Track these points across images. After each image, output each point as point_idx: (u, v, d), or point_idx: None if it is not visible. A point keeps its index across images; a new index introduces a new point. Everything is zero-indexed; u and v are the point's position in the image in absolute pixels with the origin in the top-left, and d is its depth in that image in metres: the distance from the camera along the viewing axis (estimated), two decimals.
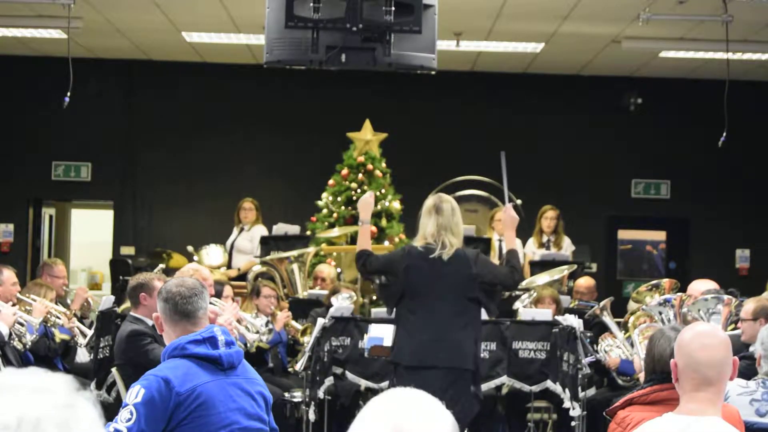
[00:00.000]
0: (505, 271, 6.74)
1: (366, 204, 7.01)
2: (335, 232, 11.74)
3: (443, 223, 6.61)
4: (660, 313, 6.70)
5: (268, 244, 11.04)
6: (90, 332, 8.22)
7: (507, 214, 7.05)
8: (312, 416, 8.06)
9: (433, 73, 6.63)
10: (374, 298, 10.26)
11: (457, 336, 6.52)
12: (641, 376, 5.63)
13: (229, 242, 11.94)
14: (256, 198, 12.12)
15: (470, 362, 6.54)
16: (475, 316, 6.66)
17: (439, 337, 6.51)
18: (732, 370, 3.55)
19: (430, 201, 6.75)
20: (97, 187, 14.55)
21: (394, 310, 6.71)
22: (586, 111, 14.51)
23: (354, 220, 11.98)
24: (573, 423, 8.02)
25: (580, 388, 7.92)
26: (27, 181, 14.42)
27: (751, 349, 6.08)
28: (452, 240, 6.59)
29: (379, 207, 11.95)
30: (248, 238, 11.69)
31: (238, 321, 7.78)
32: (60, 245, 15.74)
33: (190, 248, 12.04)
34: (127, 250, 14.26)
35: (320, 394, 8.19)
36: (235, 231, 11.97)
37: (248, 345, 8.13)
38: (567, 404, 8.01)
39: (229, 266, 11.81)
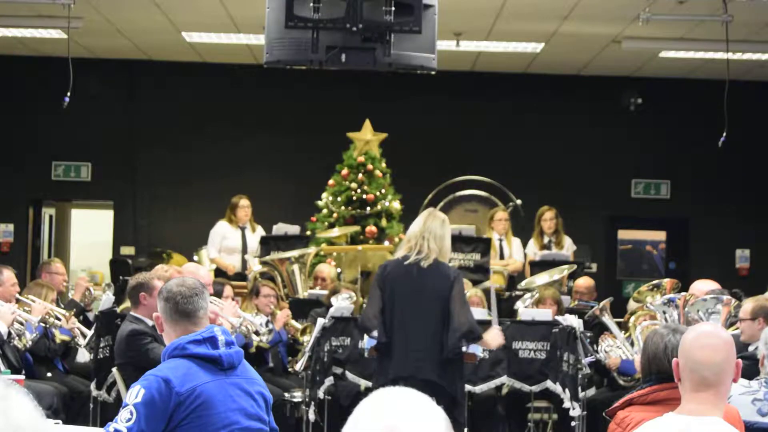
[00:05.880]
0: (464, 320, 6.51)
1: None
2: (335, 232, 11.73)
3: (430, 227, 6.57)
4: (664, 313, 6.70)
5: (268, 244, 10.98)
6: (90, 332, 8.22)
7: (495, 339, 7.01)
8: (312, 416, 8.06)
9: (433, 73, 6.63)
10: None
11: (434, 347, 6.48)
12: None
13: (237, 243, 11.46)
14: (255, 198, 12.05)
15: (445, 378, 6.48)
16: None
17: (415, 349, 6.48)
18: (735, 371, 3.54)
19: (423, 212, 6.83)
20: (97, 187, 14.54)
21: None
22: (586, 111, 14.49)
23: (354, 219, 11.99)
24: (573, 423, 8.02)
25: (580, 388, 7.93)
26: (27, 181, 14.42)
27: (751, 348, 6.08)
28: (432, 246, 6.54)
29: (379, 207, 11.95)
30: (256, 239, 11.24)
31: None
32: (60, 245, 15.72)
33: None
34: (127, 250, 14.25)
35: (320, 394, 8.19)
36: (232, 230, 11.48)
37: (249, 331, 8.11)
38: (567, 404, 8.01)
39: (243, 268, 11.32)
